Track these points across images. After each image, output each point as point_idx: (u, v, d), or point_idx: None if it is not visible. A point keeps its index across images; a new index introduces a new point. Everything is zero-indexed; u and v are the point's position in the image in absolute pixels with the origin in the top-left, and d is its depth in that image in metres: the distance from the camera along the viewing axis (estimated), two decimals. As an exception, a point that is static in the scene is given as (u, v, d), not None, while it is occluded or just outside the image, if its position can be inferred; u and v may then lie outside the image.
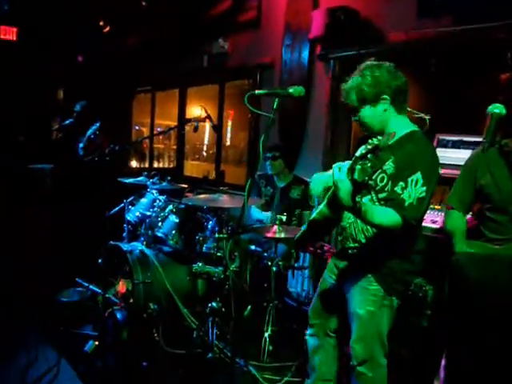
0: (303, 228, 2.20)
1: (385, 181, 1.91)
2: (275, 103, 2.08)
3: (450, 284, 1.77)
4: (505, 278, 1.49)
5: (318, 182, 2.14)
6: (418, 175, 1.80)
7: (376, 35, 3.63)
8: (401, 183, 1.82)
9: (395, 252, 1.99)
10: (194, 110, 6.81)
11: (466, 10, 3.13)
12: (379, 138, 1.53)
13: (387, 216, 1.79)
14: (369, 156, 1.49)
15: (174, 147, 9.37)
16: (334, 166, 1.70)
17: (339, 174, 1.64)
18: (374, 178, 1.89)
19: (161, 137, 8.25)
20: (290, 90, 2.07)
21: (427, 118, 2.17)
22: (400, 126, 1.98)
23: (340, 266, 2.18)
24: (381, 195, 1.92)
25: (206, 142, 10.74)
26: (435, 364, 2.15)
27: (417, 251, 2.03)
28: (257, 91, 2.12)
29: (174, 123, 8.35)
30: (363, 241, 2.03)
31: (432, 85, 3.55)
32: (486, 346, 1.56)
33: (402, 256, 2.00)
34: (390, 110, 1.97)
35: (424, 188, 1.80)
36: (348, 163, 1.62)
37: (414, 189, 1.80)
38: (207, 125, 3.63)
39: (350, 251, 2.10)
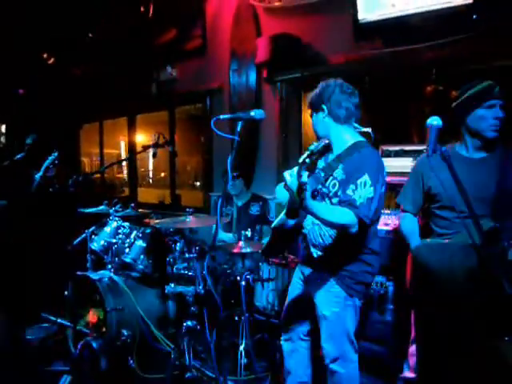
0: (267, 239, 2.35)
1: (337, 186, 2.08)
2: (238, 126, 2.25)
3: (413, 271, 1.98)
4: (459, 259, 1.72)
5: (282, 190, 2.30)
6: (366, 177, 1.98)
7: (317, 58, 3.93)
8: (351, 186, 1.99)
9: (353, 255, 2.14)
10: (142, 137, 6.84)
11: (394, 34, 3.50)
12: (314, 144, 1.77)
13: (343, 214, 1.94)
14: (307, 160, 1.69)
15: (120, 175, 9.28)
16: (283, 173, 1.87)
17: (290, 180, 1.81)
18: (326, 184, 2.08)
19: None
20: (252, 114, 2.25)
21: (369, 130, 2.37)
22: (342, 135, 2.18)
23: (305, 272, 2.32)
24: (334, 200, 2.08)
25: (150, 167, 10.71)
26: (403, 353, 2.35)
27: (374, 252, 2.18)
28: (221, 116, 2.28)
29: (118, 151, 8.30)
30: (322, 246, 2.18)
31: (372, 101, 3.88)
32: (449, 328, 1.77)
33: (359, 258, 2.15)
34: (329, 120, 2.19)
35: (372, 188, 1.97)
36: (295, 168, 1.78)
37: (363, 189, 1.96)
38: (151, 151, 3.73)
39: (311, 257, 2.24)
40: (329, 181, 2.12)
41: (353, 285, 2.15)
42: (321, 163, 2.22)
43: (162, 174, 9.70)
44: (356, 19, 3.55)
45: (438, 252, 1.87)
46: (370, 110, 3.92)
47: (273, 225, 2.22)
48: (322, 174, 1.90)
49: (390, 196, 3.26)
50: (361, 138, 2.19)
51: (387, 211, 3.00)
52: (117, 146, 8.30)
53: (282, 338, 2.50)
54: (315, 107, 2.23)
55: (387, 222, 2.82)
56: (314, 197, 1.75)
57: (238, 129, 2.25)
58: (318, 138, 2.23)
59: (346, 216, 1.93)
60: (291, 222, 2.17)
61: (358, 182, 1.97)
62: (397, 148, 3.37)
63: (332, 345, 2.18)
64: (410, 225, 2.30)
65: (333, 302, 2.16)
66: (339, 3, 3.72)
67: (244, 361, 3.09)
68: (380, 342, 2.63)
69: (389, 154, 3.40)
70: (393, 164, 3.34)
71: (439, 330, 1.75)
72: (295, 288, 2.42)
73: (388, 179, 3.23)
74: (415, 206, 2.31)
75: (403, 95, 3.76)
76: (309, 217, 2.20)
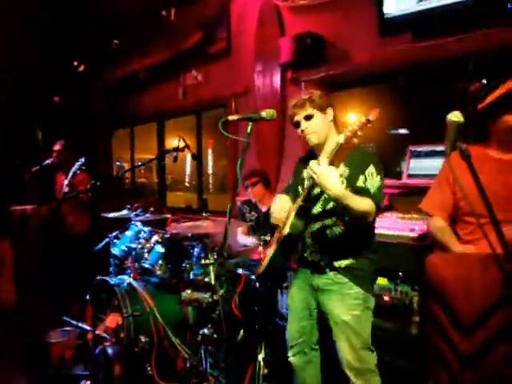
0: (272, 254, 2.26)
1: (345, 183, 2.07)
2: (249, 127, 2.16)
3: (426, 286, 1.81)
4: (477, 273, 1.54)
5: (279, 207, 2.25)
6: (372, 168, 2.04)
7: (342, 56, 3.79)
8: (361, 177, 2.04)
9: (364, 254, 2.14)
10: (174, 142, 6.88)
11: (422, 27, 3.31)
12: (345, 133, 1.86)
13: (364, 202, 1.96)
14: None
15: (156, 180, 9.41)
16: (310, 163, 1.94)
17: (321, 167, 1.88)
18: None
19: (142, 171, 8.28)
20: (263, 114, 2.15)
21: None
22: (335, 138, 2.12)
23: (313, 279, 2.23)
24: None
25: (188, 172, 10.80)
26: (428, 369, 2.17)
27: (376, 251, 2.19)
28: (230, 117, 2.20)
29: (153, 156, 8.39)
30: (331, 249, 2.14)
31: (398, 100, 3.70)
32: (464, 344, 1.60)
33: (369, 257, 2.15)
34: (331, 123, 2.21)
35: (379, 177, 2.05)
36: (322, 156, 1.90)
37: (372, 179, 2.03)
38: (188, 155, 3.70)
39: (320, 262, 2.18)
40: None
41: (369, 284, 2.17)
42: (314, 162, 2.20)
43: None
44: (382, 14, 3.40)
45: (455, 264, 1.69)
46: (397, 108, 3.74)
47: (285, 232, 2.12)
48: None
49: (418, 200, 3.08)
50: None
51: (415, 216, 2.82)
52: (149, 151, 8.42)
53: (290, 353, 2.39)
54: (321, 108, 2.18)
55: (413, 227, 2.63)
56: None
57: (249, 130, 2.16)
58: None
59: (367, 203, 1.97)
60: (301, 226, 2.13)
61: (367, 172, 2.04)
62: (427, 148, 3.19)
63: (354, 356, 2.09)
64: (444, 228, 2.09)
65: (353, 305, 2.10)
66: (364, -1, 3.57)
67: (264, 371, 2.99)
68: (404, 357, 2.45)
69: (418, 155, 3.22)
70: (423, 166, 3.17)
71: (453, 350, 1.58)
72: (296, 297, 2.34)
73: (416, 182, 3.11)
74: (445, 211, 2.10)
75: (433, 92, 3.54)
76: (315, 217, 2.17)
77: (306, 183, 2.18)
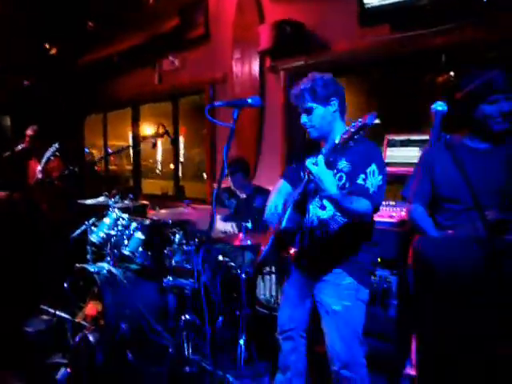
0: (268, 245, 2.26)
1: (344, 179, 2.04)
2: (235, 114, 2.17)
3: (414, 266, 1.88)
4: (463, 253, 1.62)
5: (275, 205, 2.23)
6: (374, 166, 1.97)
7: (321, 45, 3.81)
8: (361, 175, 1.97)
9: (361, 245, 2.12)
10: (148, 128, 6.79)
11: (401, 19, 3.37)
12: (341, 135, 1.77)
13: (361, 203, 1.93)
14: (338, 146, 1.78)
15: (128, 167, 9.25)
16: (307, 161, 1.86)
17: (317, 167, 1.81)
18: None
19: (112, 158, 8.12)
20: (249, 101, 2.15)
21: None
22: (341, 130, 2.07)
23: (307, 268, 2.24)
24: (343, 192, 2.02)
25: (159, 159, 10.66)
26: (406, 349, 2.26)
27: (375, 242, 2.16)
28: (216, 103, 2.19)
29: (127, 143, 8.24)
30: (329, 238, 2.11)
31: (376, 90, 3.77)
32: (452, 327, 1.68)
33: (366, 249, 2.12)
34: (337, 114, 2.11)
35: (380, 177, 1.98)
36: (320, 157, 1.82)
37: (373, 178, 1.96)
38: (159, 142, 3.65)
39: (316, 251, 2.17)
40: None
41: (364, 275, 2.13)
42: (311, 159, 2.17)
43: (172, 166, 9.69)
44: (362, 4, 3.43)
45: (441, 246, 1.76)
46: (375, 97, 3.82)
47: (282, 226, 2.12)
48: None
49: (396, 188, 3.17)
50: None
51: (392, 203, 2.90)
52: (122, 138, 8.26)
53: (280, 337, 2.42)
54: (322, 100, 2.06)
55: (392, 214, 2.72)
56: None
57: (235, 116, 2.16)
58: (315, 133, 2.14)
59: (363, 205, 1.93)
60: (298, 219, 2.12)
61: (368, 171, 1.97)
62: (403, 138, 3.26)
63: (343, 347, 2.09)
64: (423, 214, 2.16)
65: (344, 295, 2.09)
66: (344, -12, 3.59)
67: (244, 355, 3.04)
68: (383, 338, 2.54)
69: (394, 144, 3.29)
70: (399, 154, 3.25)
71: (441, 330, 1.65)
72: (293, 286, 2.35)
73: (393, 170, 3.19)
74: (424, 199, 2.16)
75: (409, 83, 3.63)
76: (313, 210, 2.16)
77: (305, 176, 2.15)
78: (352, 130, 1.74)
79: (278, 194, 2.30)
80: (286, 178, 2.38)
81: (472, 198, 1.44)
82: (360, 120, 1.73)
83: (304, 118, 2.11)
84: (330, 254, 2.14)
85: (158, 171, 10.47)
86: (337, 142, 1.81)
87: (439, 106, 1.62)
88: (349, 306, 2.08)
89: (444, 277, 1.63)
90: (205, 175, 6.53)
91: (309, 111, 2.08)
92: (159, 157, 10.54)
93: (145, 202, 4.02)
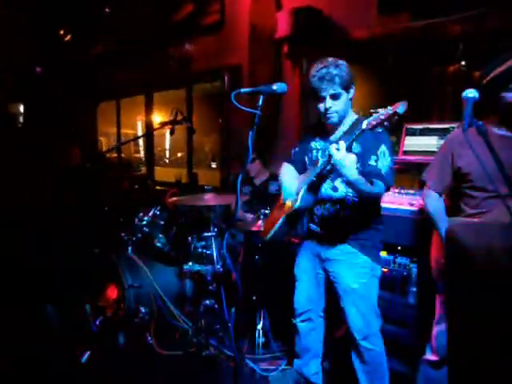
0: (278, 225, 2.28)
1: (356, 159, 2.03)
2: (260, 100, 2.16)
3: (447, 253, 1.88)
4: (498, 240, 1.63)
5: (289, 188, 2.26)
6: (384, 148, 2.04)
7: (340, 33, 3.78)
8: (373, 157, 2.04)
9: (371, 224, 2.21)
10: (161, 116, 6.79)
11: (421, 6, 3.34)
12: (369, 121, 1.79)
13: (377, 185, 2.01)
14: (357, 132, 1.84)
15: (137, 155, 9.27)
16: (329, 147, 1.88)
17: (339, 152, 1.83)
18: None
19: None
20: (274, 87, 2.13)
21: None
22: (352, 116, 2.21)
23: (320, 249, 2.29)
24: None
25: (167, 147, 10.69)
26: (425, 336, 2.28)
27: (382, 222, 2.27)
28: (242, 89, 2.18)
29: (134, 131, 8.25)
30: (340, 219, 2.19)
31: (396, 77, 3.74)
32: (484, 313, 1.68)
33: (376, 227, 2.23)
34: (350, 101, 2.17)
35: (390, 158, 2.05)
36: (342, 143, 1.84)
37: (384, 159, 2.04)
38: (168, 130, 3.62)
39: (328, 232, 2.24)
40: None
41: (377, 253, 2.23)
42: (319, 143, 2.28)
43: (179, 154, 9.69)
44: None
45: (475, 232, 1.77)
46: (393, 86, 3.79)
47: (296, 205, 2.15)
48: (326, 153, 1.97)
49: (412, 177, 3.18)
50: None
51: (412, 191, 2.90)
52: (134, 126, 8.28)
53: (297, 320, 2.48)
54: (347, 86, 2.08)
55: (412, 202, 2.72)
56: None
57: (260, 103, 2.15)
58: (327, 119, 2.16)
59: (379, 187, 2.01)
60: (311, 201, 2.17)
61: (379, 152, 2.03)
62: (422, 126, 3.25)
63: (362, 321, 2.20)
64: (437, 204, 2.17)
65: (361, 274, 2.19)
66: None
67: (261, 340, 3.08)
68: (402, 325, 2.57)
69: (413, 133, 3.29)
70: (417, 143, 3.24)
71: (478, 317, 1.66)
72: (307, 269, 2.39)
73: (412, 158, 3.19)
74: (441, 185, 2.17)
75: (430, 72, 3.61)
76: (324, 191, 2.20)
77: (317, 157, 2.21)
78: (382, 117, 1.75)
79: (289, 176, 2.35)
80: (291, 161, 2.45)
81: (506, 184, 1.44)
82: (390, 108, 1.74)
83: (328, 103, 2.09)
84: (342, 234, 2.22)
85: (166, 159, 10.51)
86: (364, 127, 1.82)
87: (470, 93, 1.61)
88: (365, 283, 2.19)
89: (481, 265, 1.63)
90: (213, 164, 6.55)
91: (336, 96, 2.08)
92: (167, 145, 10.58)
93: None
